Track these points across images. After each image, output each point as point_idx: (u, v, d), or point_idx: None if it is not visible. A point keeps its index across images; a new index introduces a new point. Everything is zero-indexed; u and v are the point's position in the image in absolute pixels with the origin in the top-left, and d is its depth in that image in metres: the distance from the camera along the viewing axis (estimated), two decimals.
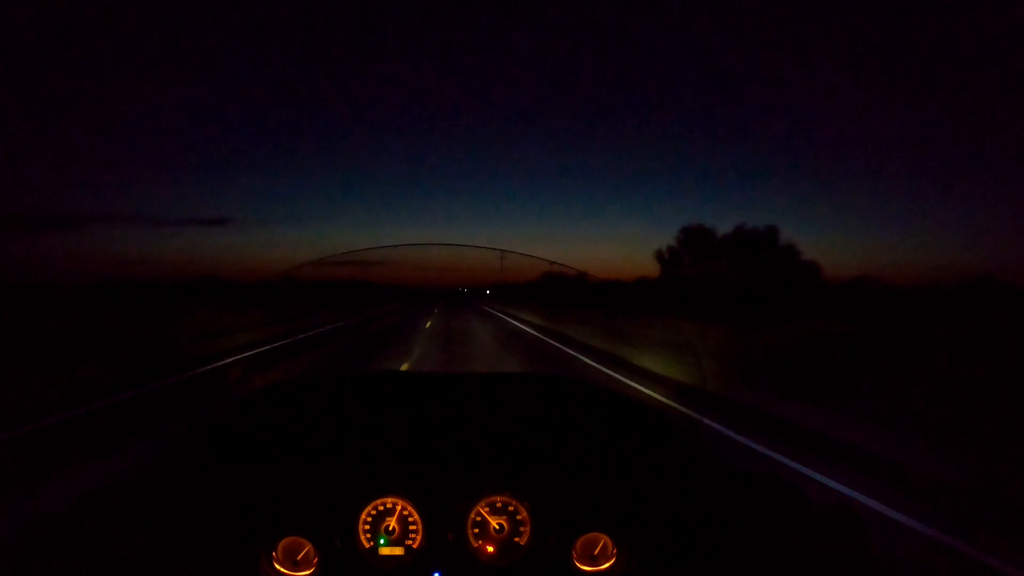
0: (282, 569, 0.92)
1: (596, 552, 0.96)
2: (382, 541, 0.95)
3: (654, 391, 6.22)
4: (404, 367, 8.85)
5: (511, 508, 0.97)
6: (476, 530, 0.96)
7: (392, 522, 0.95)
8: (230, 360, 9.26)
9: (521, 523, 0.97)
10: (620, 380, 7.40)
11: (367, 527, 0.95)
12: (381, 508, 0.96)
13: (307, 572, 0.93)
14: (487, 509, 0.97)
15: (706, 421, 5.28)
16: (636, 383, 6.78)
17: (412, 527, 0.96)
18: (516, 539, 0.96)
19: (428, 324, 17.28)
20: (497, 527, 0.96)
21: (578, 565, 0.96)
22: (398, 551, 0.95)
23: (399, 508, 0.96)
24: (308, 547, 0.93)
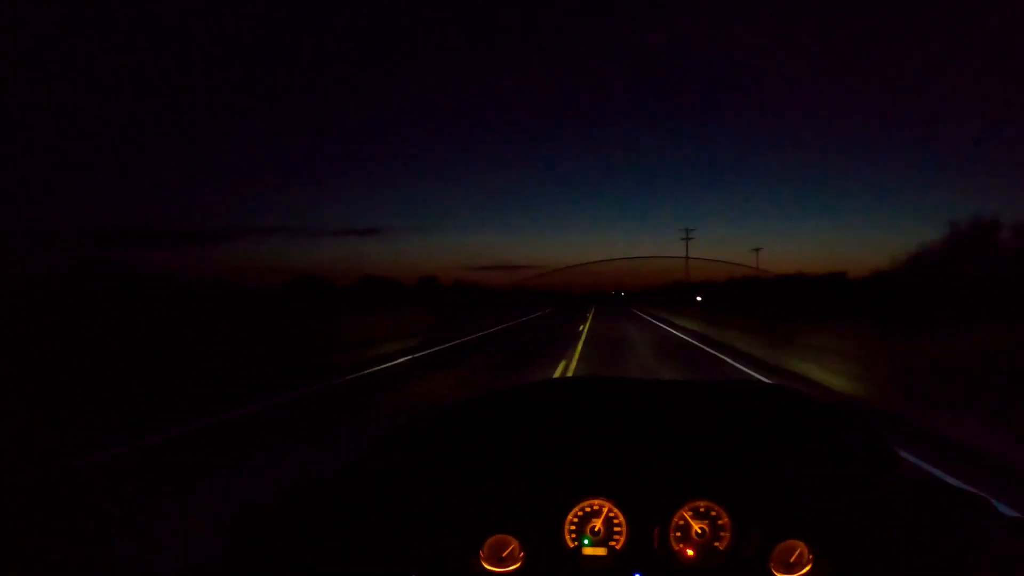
0: (488, 566, 0.97)
1: (793, 559, 0.94)
2: (586, 541, 0.98)
3: None
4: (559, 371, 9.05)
5: (713, 513, 0.97)
6: (678, 533, 0.97)
7: (598, 523, 0.98)
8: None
9: (722, 528, 0.96)
10: None
11: (573, 527, 0.99)
12: (588, 509, 0.99)
13: (512, 568, 0.97)
14: (690, 513, 0.97)
15: None
16: None
17: (616, 529, 0.98)
18: (716, 543, 0.96)
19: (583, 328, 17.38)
20: (699, 531, 0.96)
21: (774, 572, 0.93)
22: (601, 551, 0.97)
23: (605, 510, 0.99)
24: (514, 544, 0.97)
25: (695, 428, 1.12)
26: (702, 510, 0.97)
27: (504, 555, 0.97)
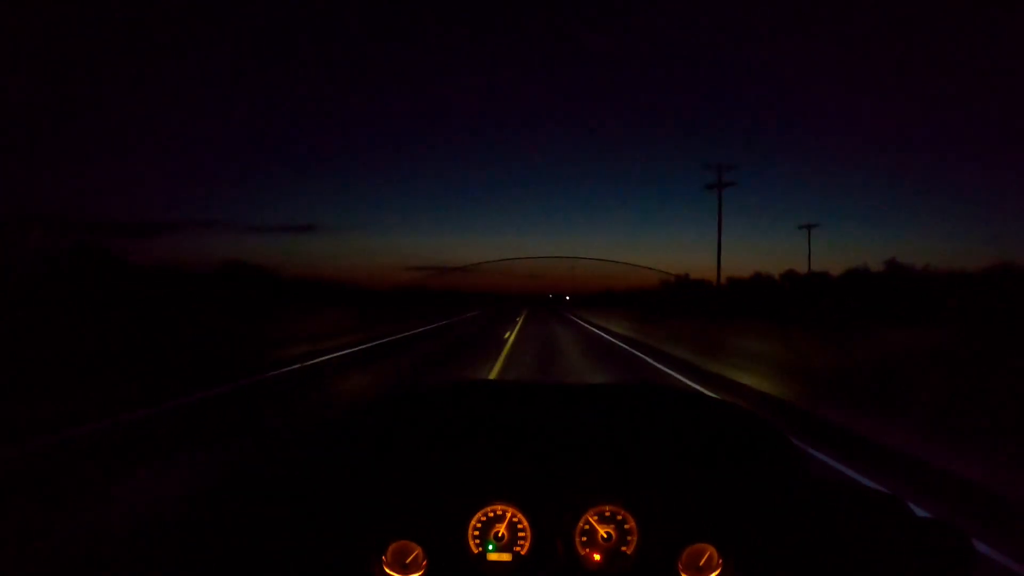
0: (391, 572, 0.95)
1: (702, 563, 0.95)
2: (491, 547, 0.96)
3: None
4: (492, 374, 9.07)
5: (619, 517, 0.97)
6: (584, 538, 0.96)
7: (501, 528, 0.96)
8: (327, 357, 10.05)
9: (628, 532, 0.96)
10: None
11: (476, 533, 0.97)
12: (491, 515, 0.97)
13: (416, 574, 0.95)
14: (595, 518, 0.96)
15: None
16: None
17: (521, 534, 0.97)
18: (623, 548, 0.96)
19: (508, 336, 17.46)
20: (605, 536, 0.95)
21: (684, 575, 0.95)
22: (506, 557, 0.96)
23: (509, 515, 0.97)
24: (418, 551, 0.96)
25: (599, 431, 1.12)
26: (608, 514, 0.97)
27: (407, 561, 0.95)
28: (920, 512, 1.02)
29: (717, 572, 0.95)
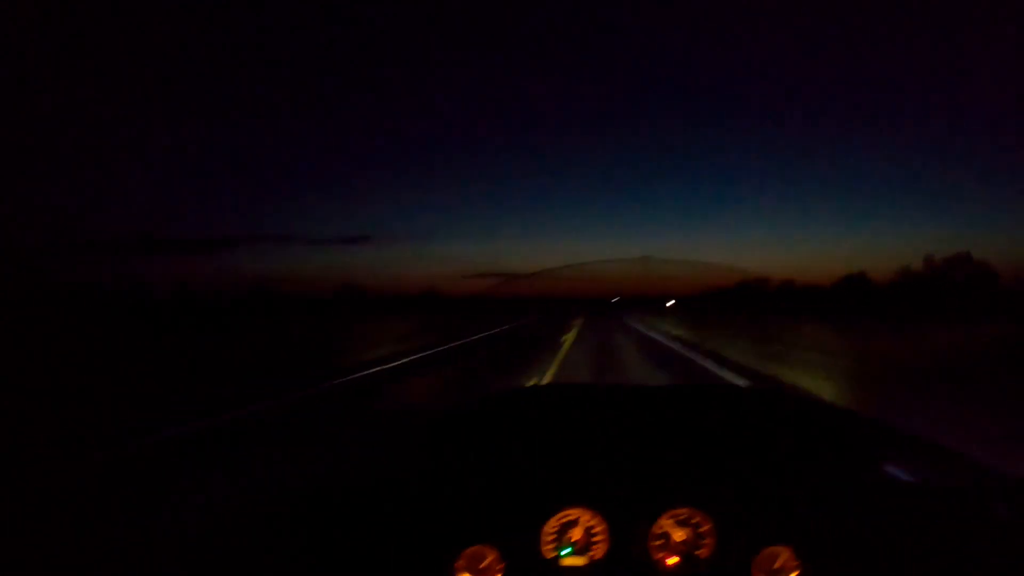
0: None
1: (776, 566, 0.93)
2: (565, 552, 0.96)
3: None
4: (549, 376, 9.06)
5: (695, 520, 0.95)
6: (659, 542, 0.95)
7: (576, 533, 0.97)
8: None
9: (704, 535, 0.95)
10: None
11: (551, 537, 0.97)
12: (566, 519, 0.98)
13: None
14: (671, 522, 0.96)
15: None
16: None
17: (596, 538, 0.96)
18: (698, 551, 0.94)
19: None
20: (680, 539, 0.94)
21: None
22: (580, 561, 0.96)
23: (584, 519, 0.97)
24: (493, 556, 0.96)
25: (674, 434, 1.11)
26: (683, 518, 0.96)
27: (482, 566, 0.96)
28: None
29: (794, 575, 0.92)
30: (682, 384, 1.55)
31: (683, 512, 0.96)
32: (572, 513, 0.98)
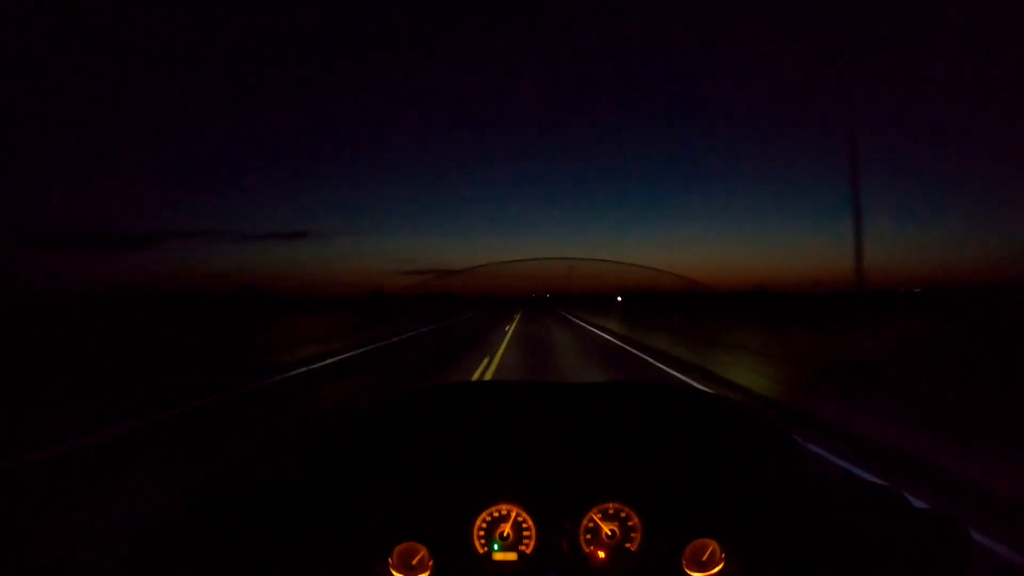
0: (397, 573, 0.95)
1: (704, 558, 0.96)
2: (496, 547, 0.96)
3: None
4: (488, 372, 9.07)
5: (623, 514, 0.97)
6: (588, 536, 0.97)
7: (506, 528, 0.97)
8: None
9: (632, 529, 0.97)
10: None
11: (481, 533, 0.97)
12: (496, 515, 0.98)
13: (422, 575, 0.95)
14: (599, 515, 0.97)
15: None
16: None
17: (526, 533, 0.97)
18: (627, 545, 0.96)
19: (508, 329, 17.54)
20: (609, 533, 0.96)
21: (687, 571, 0.95)
22: (511, 556, 0.96)
23: (513, 514, 0.98)
24: (423, 552, 0.96)
25: (602, 430, 1.12)
26: (611, 512, 0.97)
27: (414, 562, 0.95)
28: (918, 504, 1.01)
29: (720, 567, 0.95)
30: (612, 381, 1.58)
31: (611, 506, 0.97)
32: (502, 508, 0.98)
